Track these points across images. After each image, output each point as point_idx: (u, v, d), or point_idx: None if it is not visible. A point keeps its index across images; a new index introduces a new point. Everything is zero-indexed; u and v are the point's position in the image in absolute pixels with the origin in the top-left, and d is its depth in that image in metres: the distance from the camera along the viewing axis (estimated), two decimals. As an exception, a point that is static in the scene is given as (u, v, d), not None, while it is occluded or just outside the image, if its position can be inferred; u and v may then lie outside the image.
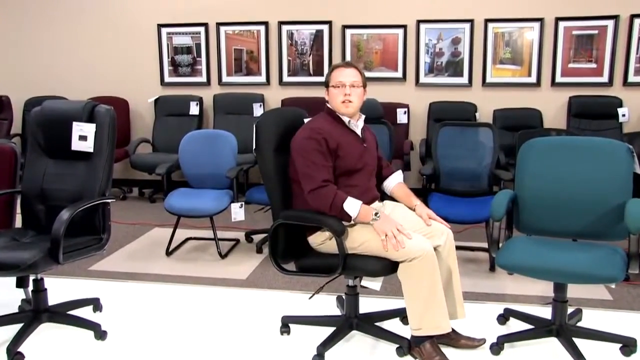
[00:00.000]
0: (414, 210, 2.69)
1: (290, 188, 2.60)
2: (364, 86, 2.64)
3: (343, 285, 2.78)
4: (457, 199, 3.93)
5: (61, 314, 2.96)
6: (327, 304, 3.18)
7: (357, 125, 2.66)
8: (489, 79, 5.64)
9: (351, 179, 2.57)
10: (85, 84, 6.27)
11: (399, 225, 2.42)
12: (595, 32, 5.41)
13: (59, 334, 2.85)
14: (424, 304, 2.43)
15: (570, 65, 5.50)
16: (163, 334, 2.89)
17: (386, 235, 2.39)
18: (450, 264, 2.62)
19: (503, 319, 2.96)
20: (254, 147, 2.57)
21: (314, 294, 2.96)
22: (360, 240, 2.47)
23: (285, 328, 2.87)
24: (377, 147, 2.83)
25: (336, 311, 3.07)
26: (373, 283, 2.59)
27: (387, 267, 2.45)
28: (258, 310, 3.17)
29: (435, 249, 2.48)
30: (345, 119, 2.62)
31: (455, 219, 3.44)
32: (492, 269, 3.75)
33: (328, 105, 2.66)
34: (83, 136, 2.90)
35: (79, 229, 2.79)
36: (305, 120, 2.70)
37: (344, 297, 2.80)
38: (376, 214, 2.45)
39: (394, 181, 2.85)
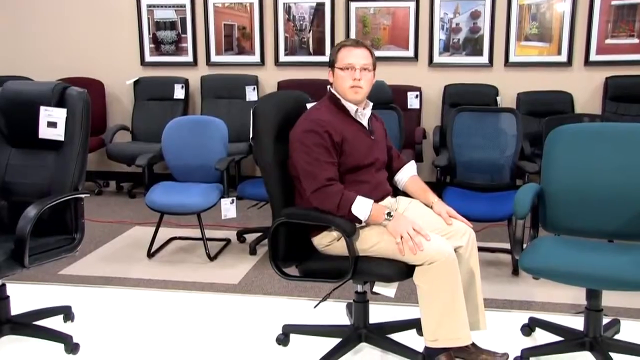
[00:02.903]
0: (431, 207, 2.68)
1: (292, 183, 2.59)
2: (374, 69, 2.63)
3: (352, 292, 2.76)
4: (476, 194, 3.93)
5: (26, 325, 2.94)
6: (330, 312, 3.17)
7: (364, 114, 2.65)
8: (512, 58, 5.61)
9: (359, 175, 2.57)
10: (54, 62, 6.23)
11: (416, 224, 2.41)
12: (639, 1, 5.33)
13: (23, 348, 2.84)
14: (442, 311, 2.42)
15: (608, 41, 5.44)
16: (143, 347, 2.88)
17: (401, 237, 2.38)
18: (472, 267, 2.62)
19: (528, 329, 2.95)
20: (251, 136, 2.56)
21: (319, 302, 2.95)
22: (372, 241, 2.46)
23: (283, 338, 2.86)
24: (387, 135, 2.82)
25: (343, 320, 3.07)
26: (387, 289, 2.58)
27: (402, 271, 2.44)
28: (251, 319, 3.16)
29: (455, 250, 2.48)
30: (352, 108, 2.60)
31: (473, 216, 3.37)
32: (515, 272, 3.75)
33: (331, 89, 2.64)
34: (52, 122, 2.89)
35: (48, 228, 2.78)
36: (308, 106, 2.68)
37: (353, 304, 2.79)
38: (389, 213, 2.43)
39: (407, 174, 2.84)
